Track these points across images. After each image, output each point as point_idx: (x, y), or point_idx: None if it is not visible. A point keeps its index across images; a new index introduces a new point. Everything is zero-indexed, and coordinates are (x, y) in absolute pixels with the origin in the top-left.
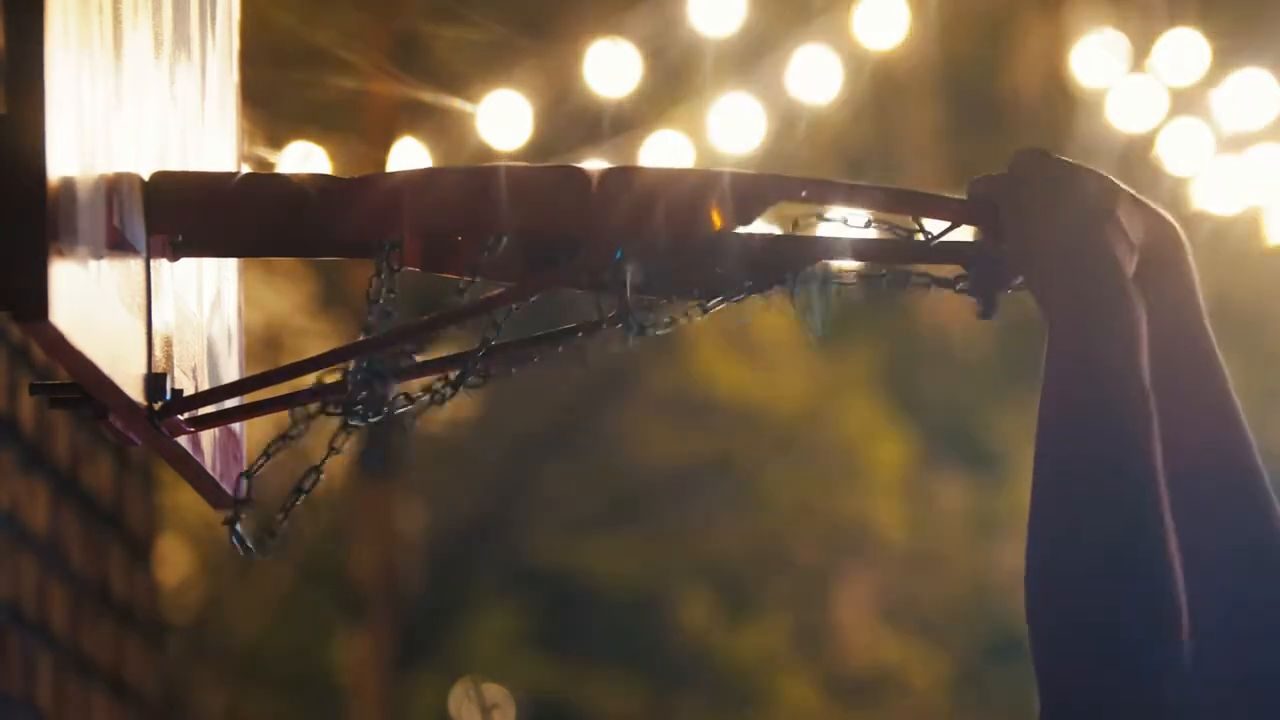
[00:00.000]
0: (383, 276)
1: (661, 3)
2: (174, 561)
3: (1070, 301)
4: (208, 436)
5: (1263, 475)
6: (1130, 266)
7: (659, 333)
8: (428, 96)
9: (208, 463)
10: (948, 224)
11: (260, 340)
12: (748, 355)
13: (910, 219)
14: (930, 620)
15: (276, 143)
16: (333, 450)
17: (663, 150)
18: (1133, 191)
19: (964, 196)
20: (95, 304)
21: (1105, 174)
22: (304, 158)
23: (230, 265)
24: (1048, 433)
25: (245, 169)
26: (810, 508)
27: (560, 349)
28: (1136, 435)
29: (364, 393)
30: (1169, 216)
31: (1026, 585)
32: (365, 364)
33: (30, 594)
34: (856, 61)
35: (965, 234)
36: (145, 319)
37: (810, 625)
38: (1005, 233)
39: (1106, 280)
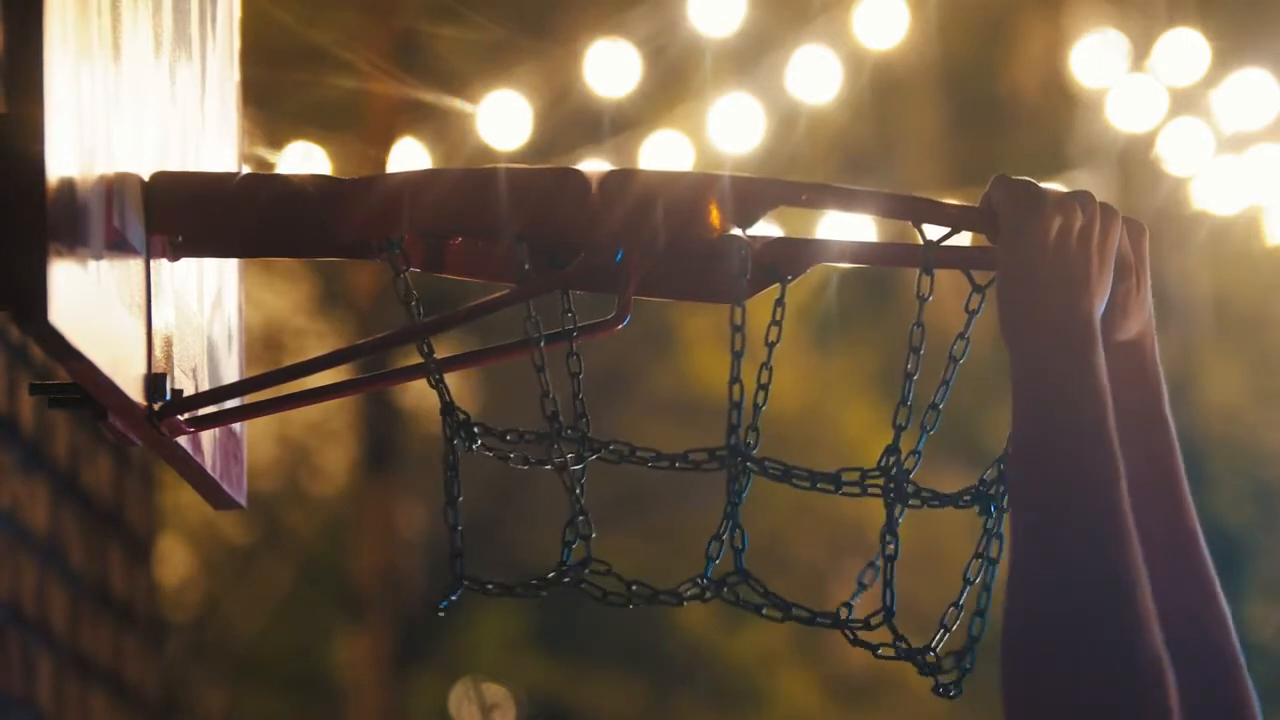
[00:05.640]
0: (402, 275)
1: (661, 3)
2: (174, 561)
3: (1035, 352)
4: (208, 436)
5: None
6: (1102, 297)
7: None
8: (428, 96)
9: (208, 463)
10: (947, 229)
11: (260, 340)
12: (747, 355)
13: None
14: (930, 620)
15: (276, 143)
16: None
17: (663, 150)
18: (1104, 204)
19: (963, 200)
20: (95, 304)
21: (1079, 199)
22: (304, 158)
23: (230, 265)
24: (1023, 483)
25: (245, 169)
26: (810, 507)
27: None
28: (1108, 489)
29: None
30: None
31: (1009, 631)
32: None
33: (30, 594)
34: (856, 61)
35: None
36: (145, 319)
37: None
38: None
39: (1071, 333)
